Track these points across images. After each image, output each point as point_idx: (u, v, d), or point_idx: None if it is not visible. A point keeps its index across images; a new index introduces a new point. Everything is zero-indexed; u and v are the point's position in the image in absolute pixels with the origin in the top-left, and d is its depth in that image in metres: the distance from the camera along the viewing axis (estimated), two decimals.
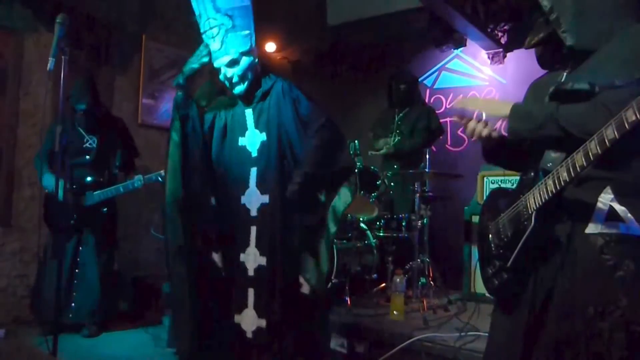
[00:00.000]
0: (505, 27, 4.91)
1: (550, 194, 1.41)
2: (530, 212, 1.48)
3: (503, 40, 5.02)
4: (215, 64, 2.46)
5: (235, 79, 2.44)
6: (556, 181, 1.39)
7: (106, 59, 4.64)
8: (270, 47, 6.26)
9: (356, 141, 3.94)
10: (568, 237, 1.44)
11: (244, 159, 2.53)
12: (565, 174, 1.35)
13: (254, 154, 2.51)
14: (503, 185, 3.92)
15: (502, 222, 1.62)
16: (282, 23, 6.20)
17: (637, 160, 1.43)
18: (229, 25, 2.38)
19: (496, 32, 4.93)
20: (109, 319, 3.83)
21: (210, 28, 2.40)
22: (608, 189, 1.41)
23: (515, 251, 1.50)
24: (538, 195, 1.45)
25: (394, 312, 3.37)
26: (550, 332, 1.43)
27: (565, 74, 1.57)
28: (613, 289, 1.36)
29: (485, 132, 1.61)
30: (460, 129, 5.53)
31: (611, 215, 1.40)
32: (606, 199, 1.41)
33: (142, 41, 4.97)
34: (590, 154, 1.28)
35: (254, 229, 2.47)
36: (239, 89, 2.47)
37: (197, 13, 2.47)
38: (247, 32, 2.45)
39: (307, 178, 2.34)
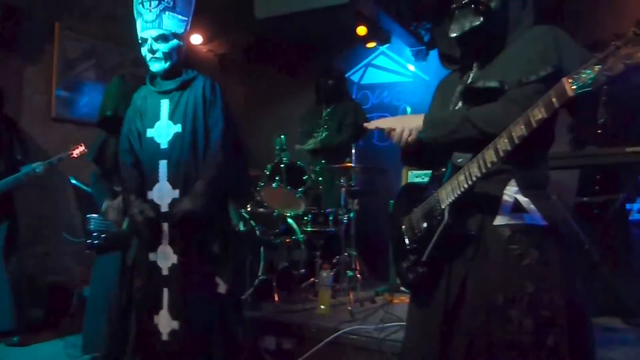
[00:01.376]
0: (428, 26, 5.05)
1: (462, 189, 1.45)
2: (442, 207, 1.52)
3: (426, 38, 5.17)
4: (142, 35, 2.40)
5: (159, 54, 2.39)
6: (467, 176, 1.43)
7: (14, 47, 4.31)
8: (197, 39, 6.08)
9: (282, 136, 3.92)
10: (479, 230, 1.49)
11: (152, 152, 2.43)
12: (476, 170, 1.40)
13: (164, 145, 2.40)
14: (428, 180, 4.02)
15: (415, 217, 1.65)
16: (208, 15, 6.04)
17: (538, 154, 1.52)
18: (170, 4, 2.37)
19: (419, 30, 5.06)
20: (23, 328, 3.58)
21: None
22: (513, 182, 1.47)
23: (430, 246, 1.53)
24: (450, 191, 1.49)
25: (321, 306, 3.39)
26: (464, 323, 1.47)
27: (471, 73, 1.62)
28: (520, 277, 1.42)
29: (411, 138, 1.63)
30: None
31: (516, 207, 1.46)
32: (511, 192, 1.47)
33: (55, 29, 4.66)
34: (500, 150, 1.33)
35: (165, 226, 2.37)
36: (160, 66, 2.40)
37: None
38: (185, 18, 2.45)
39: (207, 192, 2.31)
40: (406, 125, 1.61)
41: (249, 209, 3.85)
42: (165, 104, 2.44)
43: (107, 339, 2.89)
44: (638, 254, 3.39)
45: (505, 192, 1.47)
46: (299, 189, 3.93)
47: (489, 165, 1.36)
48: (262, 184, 3.96)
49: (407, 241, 1.67)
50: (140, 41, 2.42)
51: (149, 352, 2.36)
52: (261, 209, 4.09)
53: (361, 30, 5.04)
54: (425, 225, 1.58)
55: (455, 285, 1.51)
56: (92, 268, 3.22)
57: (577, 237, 3.13)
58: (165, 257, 2.36)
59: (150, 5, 2.35)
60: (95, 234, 3.02)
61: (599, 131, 3.45)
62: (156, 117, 2.44)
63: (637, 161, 2.88)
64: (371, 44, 5.45)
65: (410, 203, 1.70)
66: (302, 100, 5.42)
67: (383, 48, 5.61)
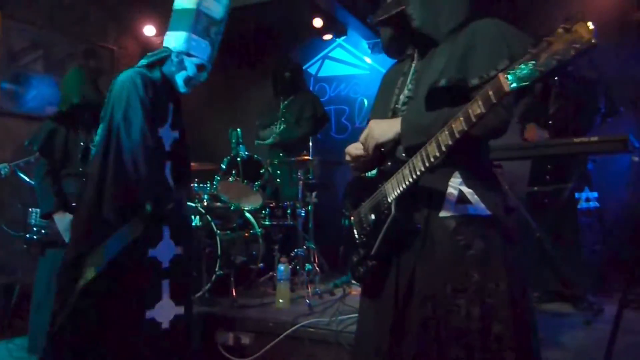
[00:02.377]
0: None
1: (406, 183, 1.46)
2: (389, 202, 1.52)
3: None
4: (193, 60, 2.38)
5: (194, 83, 2.43)
6: (412, 170, 1.44)
7: None
8: (150, 30, 5.93)
9: (238, 130, 3.86)
10: (425, 223, 1.50)
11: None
12: (420, 164, 1.41)
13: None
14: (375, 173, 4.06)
15: (363, 211, 1.66)
16: (163, 6, 5.89)
17: (481, 146, 1.56)
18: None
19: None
20: None
21: (218, 34, 2.45)
22: (457, 174, 1.50)
23: (378, 240, 1.53)
24: (395, 184, 1.50)
25: (280, 300, 3.37)
26: (414, 315, 1.48)
27: (413, 64, 1.64)
28: (466, 266, 1.45)
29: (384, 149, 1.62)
30: (344, 117, 5.66)
31: (460, 199, 1.49)
32: (455, 183, 1.50)
33: None
34: (442, 144, 1.34)
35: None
36: (186, 91, 2.45)
37: (218, 17, 2.42)
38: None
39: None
40: (381, 135, 1.57)
41: (205, 204, 3.79)
42: None
43: None
44: (585, 241, 3.52)
45: (449, 184, 1.50)
46: (256, 183, 3.89)
47: (432, 159, 1.37)
48: (218, 178, 3.90)
49: (356, 235, 1.67)
50: (196, 64, 2.38)
51: (140, 346, 2.29)
52: (218, 203, 4.03)
53: (317, 22, 5.02)
54: (373, 219, 1.59)
55: (404, 277, 1.51)
56: (37, 264, 3.08)
57: (528, 226, 3.22)
58: (168, 251, 2.36)
59: (214, 39, 2.42)
60: (35, 228, 2.90)
61: (550, 122, 3.55)
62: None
63: (584, 151, 2.98)
64: (328, 37, 5.45)
65: (358, 197, 1.71)
66: (259, 92, 5.37)
67: (340, 40, 5.61)
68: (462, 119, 1.28)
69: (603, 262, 3.65)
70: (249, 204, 4.06)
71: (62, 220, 2.86)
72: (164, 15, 6.26)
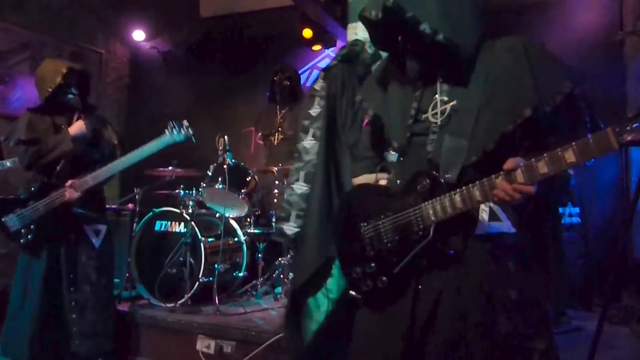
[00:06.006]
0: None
1: (456, 211, 1.41)
2: (427, 224, 1.46)
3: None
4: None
5: None
6: (467, 199, 1.39)
7: None
8: (139, 35, 5.92)
9: (225, 136, 3.85)
10: (462, 247, 1.47)
11: None
12: (478, 194, 1.37)
13: None
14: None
15: (386, 226, 1.57)
16: (152, 11, 5.90)
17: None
18: None
19: None
20: None
21: None
22: None
23: (405, 259, 1.50)
24: (440, 209, 1.44)
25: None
26: (440, 335, 1.45)
27: (438, 89, 1.56)
28: (505, 284, 1.44)
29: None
30: None
31: (492, 217, 1.48)
32: (486, 204, 1.48)
33: None
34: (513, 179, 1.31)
35: None
36: None
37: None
38: None
39: None
40: None
41: (190, 210, 3.77)
42: None
43: (29, 343, 2.81)
44: (567, 256, 3.55)
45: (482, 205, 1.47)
46: (242, 190, 3.88)
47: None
48: (204, 184, 3.89)
49: (367, 248, 1.61)
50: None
51: None
52: (203, 210, 4.01)
53: (307, 32, 5.04)
54: (399, 237, 1.53)
55: (427, 301, 1.48)
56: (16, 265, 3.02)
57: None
58: None
59: None
60: (23, 230, 2.85)
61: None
62: None
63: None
64: (317, 47, 5.47)
65: (373, 208, 1.62)
66: (247, 100, 5.38)
67: (329, 51, 5.63)
68: (546, 160, 1.23)
69: (584, 276, 3.69)
70: (234, 212, 4.04)
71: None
72: (153, 20, 6.29)
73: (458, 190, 1.40)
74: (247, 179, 3.94)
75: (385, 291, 1.55)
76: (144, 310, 3.49)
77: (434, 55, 1.53)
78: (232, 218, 4.02)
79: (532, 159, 1.27)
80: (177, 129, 2.96)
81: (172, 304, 3.50)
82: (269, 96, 4.75)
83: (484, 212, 1.48)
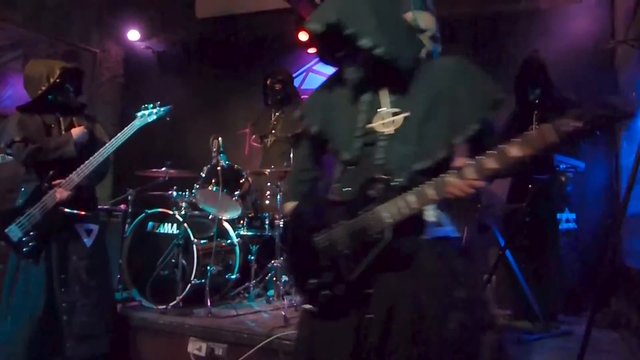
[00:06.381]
0: None
1: (410, 211, 1.47)
2: (383, 226, 1.50)
3: None
4: None
5: None
6: (420, 199, 1.45)
7: None
8: (134, 35, 5.91)
9: (219, 138, 3.85)
10: (414, 248, 1.53)
11: None
12: (431, 192, 1.44)
13: None
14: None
15: (338, 234, 1.61)
16: (147, 11, 5.89)
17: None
18: None
19: None
20: None
21: None
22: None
23: (364, 262, 1.53)
24: (396, 211, 1.49)
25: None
26: (399, 333, 1.49)
27: (381, 99, 1.66)
28: (451, 284, 1.50)
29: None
30: None
31: (438, 222, 1.57)
32: (431, 208, 1.56)
33: None
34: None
35: None
36: None
37: None
38: None
39: None
40: None
41: (183, 212, 3.76)
42: None
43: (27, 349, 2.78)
44: (565, 261, 3.57)
45: (428, 211, 1.56)
46: (236, 192, 3.88)
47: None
48: (197, 186, 3.88)
49: (322, 258, 1.63)
50: None
51: None
52: (196, 212, 4.01)
53: (303, 35, 5.06)
54: (355, 243, 1.56)
55: (384, 302, 1.52)
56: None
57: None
58: None
59: None
60: (24, 239, 2.82)
61: None
62: None
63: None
64: (312, 50, 5.48)
65: (324, 218, 1.66)
66: (241, 102, 5.38)
67: None
68: (493, 155, 1.34)
69: (578, 282, 3.71)
70: (228, 214, 4.04)
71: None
72: (149, 20, 6.28)
73: (411, 191, 1.47)
74: (241, 181, 3.94)
75: (342, 299, 1.58)
76: (135, 312, 3.47)
77: (376, 69, 1.62)
78: (225, 220, 4.01)
79: (481, 156, 1.37)
80: (150, 109, 2.99)
81: (164, 306, 3.49)
82: (263, 99, 4.77)
83: (430, 217, 1.56)
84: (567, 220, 3.73)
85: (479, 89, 1.56)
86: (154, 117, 2.99)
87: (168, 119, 3.04)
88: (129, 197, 4.09)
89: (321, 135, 1.78)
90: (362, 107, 1.68)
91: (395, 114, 1.61)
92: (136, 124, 2.97)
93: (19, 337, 2.79)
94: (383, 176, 1.54)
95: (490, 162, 1.35)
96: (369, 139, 1.65)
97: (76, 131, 2.96)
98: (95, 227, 3.08)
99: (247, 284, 3.93)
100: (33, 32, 4.86)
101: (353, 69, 1.67)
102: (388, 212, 1.50)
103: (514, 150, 1.30)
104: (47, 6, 5.01)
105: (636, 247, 3.43)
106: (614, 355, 2.84)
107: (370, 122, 1.65)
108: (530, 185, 3.41)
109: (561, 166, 3.54)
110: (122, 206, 4.31)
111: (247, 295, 3.90)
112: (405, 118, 1.59)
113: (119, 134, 2.92)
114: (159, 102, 3.04)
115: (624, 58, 3.90)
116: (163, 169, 4.06)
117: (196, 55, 6.02)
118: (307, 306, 1.67)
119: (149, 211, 3.82)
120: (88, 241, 3.01)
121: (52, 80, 2.91)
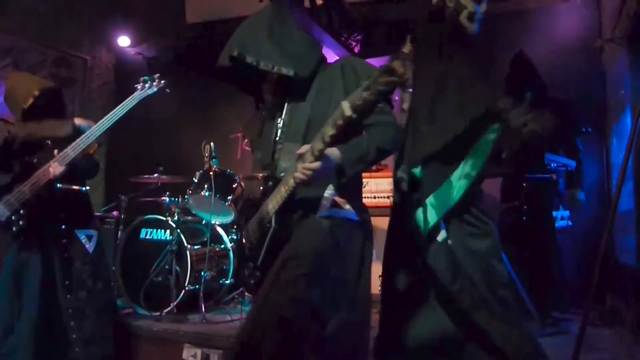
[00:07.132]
0: (358, 37, 5.15)
1: (283, 198, 1.73)
2: (270, 216, 1.78)
3: (356, 50, 5.26)
4: None
5: None
6: (286, 187, 1.71)
7: None
8: (124, 41, 5.90)
9: (211, 143, 3.84)
10: (297, 222, 1.78)
11: None
12: (291, 180, 1.68)
13: None
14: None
15: (251, 227, 1.91)
16: (138, 17, 5.87)
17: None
18: None
19: (350, 41, 5.14)
20: None
21: None
22: (331, 186, 1.81)
23: (262, 251, 1.79)
24: (274, 201, 1.76)
25: None
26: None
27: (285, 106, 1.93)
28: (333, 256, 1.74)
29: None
30: None
31: (334, 204, 1.80)
32: (329, 193, 1.80)
33: None
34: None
35: None
36: None
37: None
38: None
39: None
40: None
41: (176, 217, 3.75)
42: None
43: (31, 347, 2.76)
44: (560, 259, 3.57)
45: (325, 193, 1.79)
46: (229, 197, 3.87)
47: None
48: (190, 191, 3.87)
49: (246, 250, 1.92)
50: None
51: None
52: (189, 217, 3.99)
53: None
54: (258, 233, 1.85)
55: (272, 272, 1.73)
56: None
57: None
58: None
59: None
60: (13, 217, 2.76)
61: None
62: None
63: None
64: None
65: (248, 215, 1.95)
66: (233, 106, 5.36)
67: None
68: (319, 140, 1.58)
69: (573, 279, 3.72)
70: (221, 219, 4.03)
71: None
72: (139, 26, 6.25)
73: (282, 182, 1.74)
74: (234, 186, 3.93)
75: (260, 283, 1.80)
76: (129, 319, 3.46)
77: (279, 86, 1.92)
78: (219, 225, 4.00)
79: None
80: (150, 82, 2.94)
81: (158, 313, 3.47)
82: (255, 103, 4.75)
83: (327, 199, 1.79)
84: (562, 218, 3.73)
85: (350, 82, 1.76)
86: (154, 89, 2.94)
87: (168, 90, 3.00)
88: (122, 204, 4.07)
89: (253, 146, 2.04)
90: (277, 121, 1.96)
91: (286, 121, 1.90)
92: (136, 95, 2.90)
93: (22, 347, 2.77)
94: (272, 174, 1.86)
95: (318, 144, 1.57)
96: (275, 146, 1.92)
97: (79, 119, 2.91)
98: (94, 233, 3.08)
99: (241, 288, 3.91)
100: (23, 39, 4.83)
101: (264, 90, 2.01)
102: (272, 204, 1.78)
103: (328, 130, 1.53)
104: (36, 13, 4.98)
105: (629, 244, 3.44)
106: (609, 353, 2.84)
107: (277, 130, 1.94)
108: (524, 185, 3.42)
109: (552, 164, 3.55)
110: (115, 213, 4.29)
111: (241, 300, 3.87)
112: (291, 121, 1.87)
113: (119, 106, 2.84)
114: (157, 75, 2.98)
115: (612, 56, 3.92)
116: (155, 175, 4.05)
117: (187, 61, 6.00)
118: (247, 295, 1.90)
119: (142, 217, 3.80)
120: (90, 247, 3.01)
121: (26, 105, 2.89)
